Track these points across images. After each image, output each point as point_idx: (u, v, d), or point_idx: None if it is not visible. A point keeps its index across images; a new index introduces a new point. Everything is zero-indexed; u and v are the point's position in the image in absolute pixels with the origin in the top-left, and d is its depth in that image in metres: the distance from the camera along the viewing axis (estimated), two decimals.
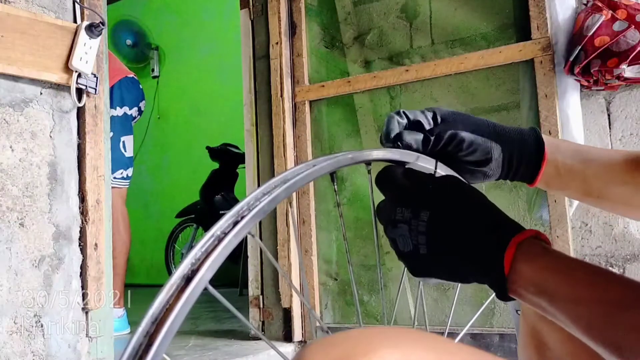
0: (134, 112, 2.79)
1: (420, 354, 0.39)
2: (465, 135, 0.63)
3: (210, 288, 0.44)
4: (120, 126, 2.63)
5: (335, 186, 0.61)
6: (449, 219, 0.52)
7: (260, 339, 2.44)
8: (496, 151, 0.64)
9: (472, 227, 0.51)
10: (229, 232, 0.46)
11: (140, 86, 2.90)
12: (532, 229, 0.50)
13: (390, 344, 0.39)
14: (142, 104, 2.86)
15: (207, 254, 0.45)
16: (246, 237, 0.54)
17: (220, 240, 0.46)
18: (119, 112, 2.65)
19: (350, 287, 2.34)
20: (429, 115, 0.65)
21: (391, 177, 0.59)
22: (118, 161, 2.54)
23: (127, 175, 2.70)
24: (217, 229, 0.47)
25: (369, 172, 0.62)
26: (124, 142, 2.67)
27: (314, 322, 2.09)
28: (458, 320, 2.03)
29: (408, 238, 0.53)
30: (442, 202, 0.53)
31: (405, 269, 0.60)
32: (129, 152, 2.71)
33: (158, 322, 0.41)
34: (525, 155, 0.66)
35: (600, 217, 1.90)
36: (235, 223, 0.47)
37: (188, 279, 0.43)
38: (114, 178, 2.54)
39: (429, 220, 0.52)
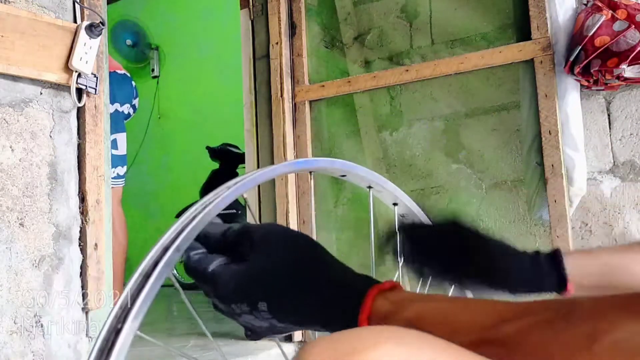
0: (125, 108, 2.73)
1: (426, 351, 0.40)
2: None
3: (142, 335, 0.43)
4: (111, 123, 2.60)
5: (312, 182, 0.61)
6: (285, 303, 0.51)
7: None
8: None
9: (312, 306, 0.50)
10: (151, 274, 0.44)
11: (133, 83, 2.84)
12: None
13: (397, 339, 0.39)
14: (135, 102, 2.81)
15: (133, 299, 0.43)
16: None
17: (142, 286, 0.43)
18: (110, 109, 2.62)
19: None
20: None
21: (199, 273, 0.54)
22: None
23: (118, 174, 2.67)
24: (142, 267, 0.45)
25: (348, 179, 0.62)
26: (115, 139, 2.63)
27: None
28: None
29: (255, 320, 0.52)
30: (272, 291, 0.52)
31: (401, 268, 0.61)
32: (121, 150, 2.68)
33: None
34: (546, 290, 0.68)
35: (600, 217, 1.90)
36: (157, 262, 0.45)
37: (117, 331, 0.42)
38: None
39: (268, 309, 0.51)
